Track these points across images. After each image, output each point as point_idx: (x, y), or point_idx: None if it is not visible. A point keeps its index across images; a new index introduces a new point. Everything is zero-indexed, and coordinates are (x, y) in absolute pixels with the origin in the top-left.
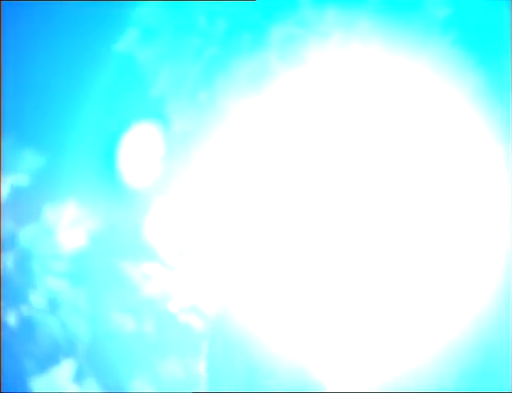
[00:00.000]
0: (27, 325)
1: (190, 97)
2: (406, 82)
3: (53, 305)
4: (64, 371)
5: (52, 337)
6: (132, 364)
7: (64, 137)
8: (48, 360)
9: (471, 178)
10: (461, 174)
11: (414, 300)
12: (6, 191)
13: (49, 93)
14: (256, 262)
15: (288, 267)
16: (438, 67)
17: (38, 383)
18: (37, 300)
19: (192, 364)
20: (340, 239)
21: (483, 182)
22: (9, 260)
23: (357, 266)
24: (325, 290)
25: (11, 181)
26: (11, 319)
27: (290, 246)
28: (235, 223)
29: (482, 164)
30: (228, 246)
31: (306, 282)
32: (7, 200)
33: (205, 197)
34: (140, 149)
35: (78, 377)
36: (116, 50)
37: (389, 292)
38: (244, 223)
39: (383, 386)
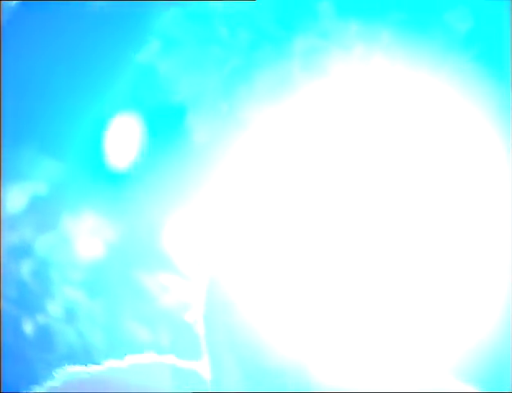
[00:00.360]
0: (43, 334)
1: (211, 108)
2: (427, 96)
3: (70, 315)
4: None
5: (69, 346)
6: None
7: (83, 146)
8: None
9: (483, 190)
10: (476, 189)
11: (417, 302)
12: (24, 199)
13: (69, 103)
14: (272, 274)
15: (300, 277)
16: (459, 82)
17: None
18: (54, 308)
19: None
20: (345, 239)
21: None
22: (26, 269)
23: (361, 265)
24: (330, 290)
25: (29, 190)
26: (28, 328)
27: (305, 257)
28: (253, 233)
29: (496, 180)
30: (245, 257)
31: (313, 285)
32: (26, 208)
33: (224, 208)
34: (158, 159)
35: None
36: (137, 60)
37: (393, 293)
38: (262, 234)
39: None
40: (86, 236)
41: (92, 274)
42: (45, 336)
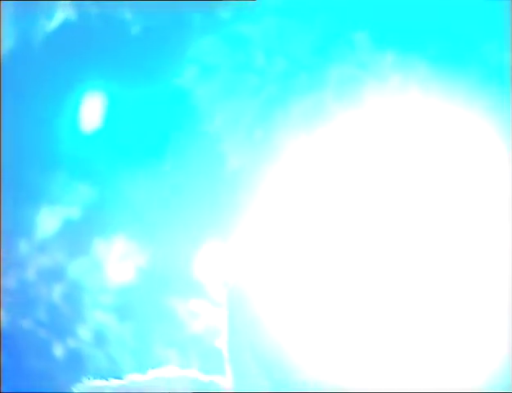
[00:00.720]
0: (74, 357)
1: (246, 135)
2: (462, 129)
3: (100, 339)
4: None
5: (99, 371)
6: None
7: (117, 172)
8: None
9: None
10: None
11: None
12: (56, 223)
13: (105, 128)
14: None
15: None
16: (495, 115)
17: None
18: (84, 332)
19: None
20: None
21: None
22: (57, 292)
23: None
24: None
25: (62, 214)
26: (58, 351)
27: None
28: (284, 261)
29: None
30: (275, 284)
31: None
32: (58, 232)
33: (257, 235)
34: (192, 185)
35: None
36: (174, 85)
37: (402, 297)
38: (293, 263)
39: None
40: (117, 260)
41: (122, 298)
42: (75, 359)
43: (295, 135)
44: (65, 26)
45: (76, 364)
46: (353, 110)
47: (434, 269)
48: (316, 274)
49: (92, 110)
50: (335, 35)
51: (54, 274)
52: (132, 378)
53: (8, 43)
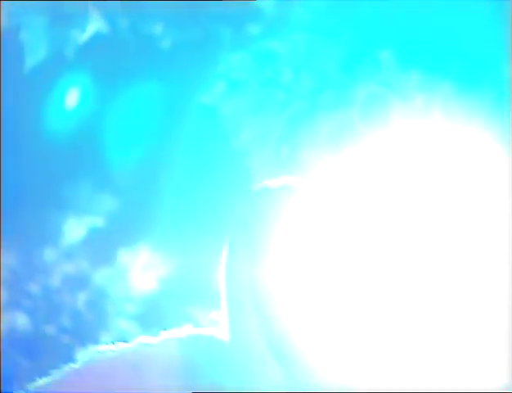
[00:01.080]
0: None
1: (272, 151)
2: (485, 151)
3: None
4: None
5: None
6: None
7: (143, 183)
8: None
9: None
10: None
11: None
12: (82, 232)
13: (130, 140)
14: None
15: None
16: None
17: None
18: (107, 340)
19: None
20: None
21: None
22: (82, 300)
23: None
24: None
25: (87, 223)
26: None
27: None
28: (309, 278)
29: None
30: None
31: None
32: (83, 241)
33: (282, 251)
34: (217, 200)
35: None
36: (201, 102)
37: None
38: (319, 279)
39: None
40: (141, 270)
41: (145, 307)
42: None
43: (321, 152)
44: (96, 38)
45: None
46: (378, 127)
47: (437, 270)
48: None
49: (121, 123)
50: (362, 53)
51: (79, 282)
52: (140, 341)
53: (41, 53)
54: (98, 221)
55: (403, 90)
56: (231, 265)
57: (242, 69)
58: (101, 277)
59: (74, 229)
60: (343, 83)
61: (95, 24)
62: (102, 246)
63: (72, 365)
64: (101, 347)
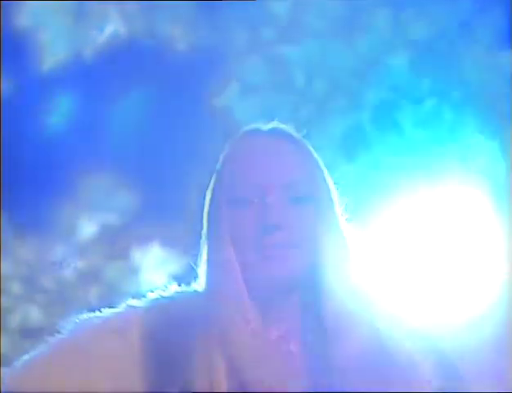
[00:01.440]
0: None
1: None
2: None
3: None
4: None
5: None
6: None
7: (157, 182)
8: None
9: None
10: None
11: None
12: (95, 228)
13: (145, 139)
14: None
15: None
16: None
17: None
18: None
19: None
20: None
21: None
22: (93, 294)
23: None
24: None
25: (101, 219)
26: None
27: None
28: None
29: None
30: None
31: None
32: (97, 235)
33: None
34: None
35: None
36: (216, 103)
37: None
38: None
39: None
40: (152, 266)
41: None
42: None
43: (333, 156)
44: (113, 39)
45: None
46: (389, 132)
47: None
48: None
49: (136, 122)
50: (373, 59)
51: (91, 276)
52: (130, 303)
53: (61, 54)
54: (111, 217)
55: (414, 96)
56: None
57: (255, 72)
58: (112, 272)
59: (88, 225)
60: (355, 88)
61: (112, 25)
62: (115, 242)
63: (58, 335)
64: (86, 314)
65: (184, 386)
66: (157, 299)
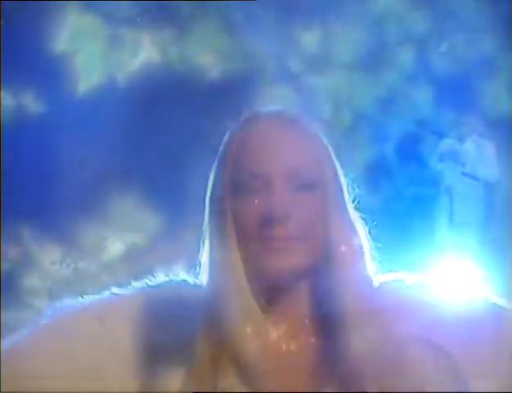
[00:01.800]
0: None
1: None
2: None
3: None
4: None
5: None
6: None
7: (183, 202)
8: None
9: None
10: None
11: None
12: (122, 247)
13: (175, 162)
14: None
15: None
16: None
17: None
18: None
19: None
20: None
21: None
22: None
23: None
24: None
25: (128, 238)
26: None
27: None
28: None
29: None
30: None
31: None
32: (123, 255)
33: None
34: None
35: None
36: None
37: None
38: None
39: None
40: None
41: None
42: None
43: (356, 187)
44: (147, 65)
45: None
46: (412, 165)
47: None
48: None
49: (166, 146)
50: (399, 91)
51: None
52: (113, 291)
53: (95, 78)
54: (138, 237)
55: (438, 128)
56: None
57: (284, 101)
58: None
59: (115, 244)
60: (379, 119)
61: (146, 52)
62: (140, 262)
63: (39, 321)
64: (68, 300)
65: (167, 377)
66: (142, 287)
